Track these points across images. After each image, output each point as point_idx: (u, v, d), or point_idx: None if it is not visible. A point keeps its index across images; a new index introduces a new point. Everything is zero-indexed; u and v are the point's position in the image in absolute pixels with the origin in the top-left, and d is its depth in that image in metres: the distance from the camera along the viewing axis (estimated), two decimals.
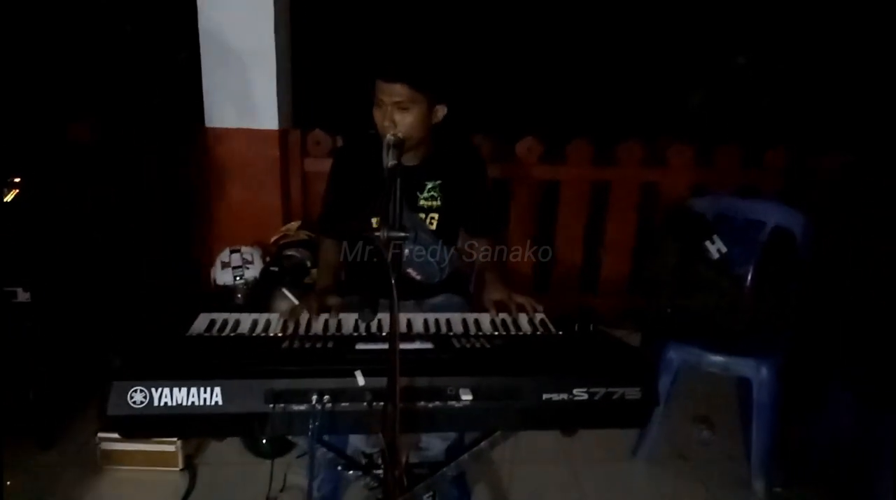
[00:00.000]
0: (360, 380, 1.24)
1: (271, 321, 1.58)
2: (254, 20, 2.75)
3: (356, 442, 1.70)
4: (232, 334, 1.50)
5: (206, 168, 2.96)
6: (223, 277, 2.81)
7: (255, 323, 1.57)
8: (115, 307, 2.93)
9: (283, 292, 2.50)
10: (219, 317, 1.57)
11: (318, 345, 1.39)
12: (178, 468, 2.15)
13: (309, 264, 2.80)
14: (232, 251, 2.83)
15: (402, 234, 1.21)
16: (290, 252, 2.88)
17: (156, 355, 1.32)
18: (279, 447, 2.25)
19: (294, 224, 2.93)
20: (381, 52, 1.97)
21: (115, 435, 2.09)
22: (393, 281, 1.14)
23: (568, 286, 3.28)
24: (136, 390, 1.19)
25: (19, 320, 2.16)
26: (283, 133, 2.94)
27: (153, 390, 1.19)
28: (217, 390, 1.21)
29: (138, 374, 1.21)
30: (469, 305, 2.03)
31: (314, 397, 1.21)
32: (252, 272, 2.80)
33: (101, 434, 2.13)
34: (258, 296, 2.77)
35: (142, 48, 4.70)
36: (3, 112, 2.60)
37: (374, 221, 1.87)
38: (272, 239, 2.91)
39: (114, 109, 4.15)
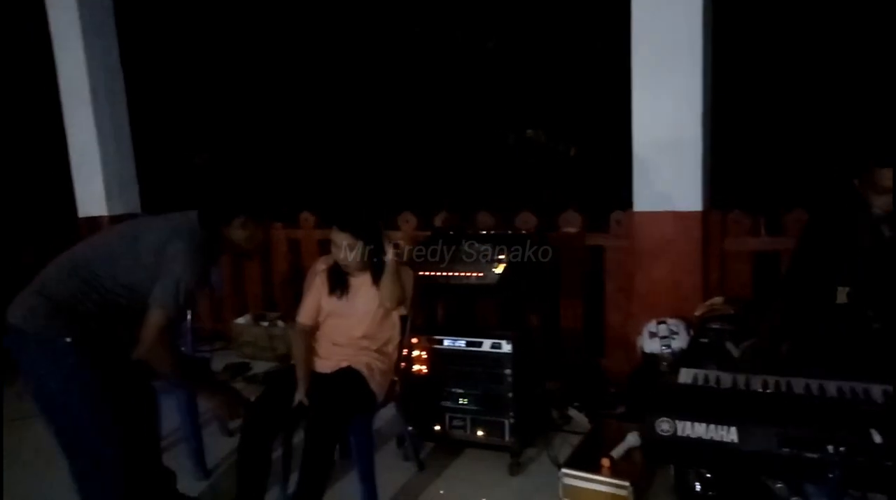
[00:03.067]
0: (876, 437, 1.30)
1: (750, 379, 1.73)
2: (682, 112, 3.07)
3: None
4: (722, 387, 1.70)
5: (632, 246, 3.32)
6: (650, 345, 3.07)
7: (735, 379, 1.74)
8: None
9: None
10: (700, 372, 1.79)
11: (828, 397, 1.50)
12: None
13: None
14: (659, 322, 3.09)
15: None
16: (714, 325, 3.01)
17: (670, 396, 1.60)
18: None
19: (719, 299, 3.04)
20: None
21: (576, 472, 2.48)
22: None
23: None
24: (663, 421, 1.47)
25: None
26: (705, 214, 3.14)
27: (677, 422, 1.45)
28: (733, 429, 1.41)
29: (664, 410, 1.49)
30: None
31: (829, 447, 1.32)
32: (678, 343, 3.00)
33: (564, 470, 2.50)
34: (684, 365, 2.95)
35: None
36: None
37: (840, 291, 1.93)
38: (697, 312, 3.08)
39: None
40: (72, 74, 4.77)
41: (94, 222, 4.91)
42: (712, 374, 1.77)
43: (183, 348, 3.14)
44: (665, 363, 3.01)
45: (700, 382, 1.72)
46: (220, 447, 3.11)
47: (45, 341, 1.99)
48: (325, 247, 4.34)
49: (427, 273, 2.82)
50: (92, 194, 4.92)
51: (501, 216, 3.72)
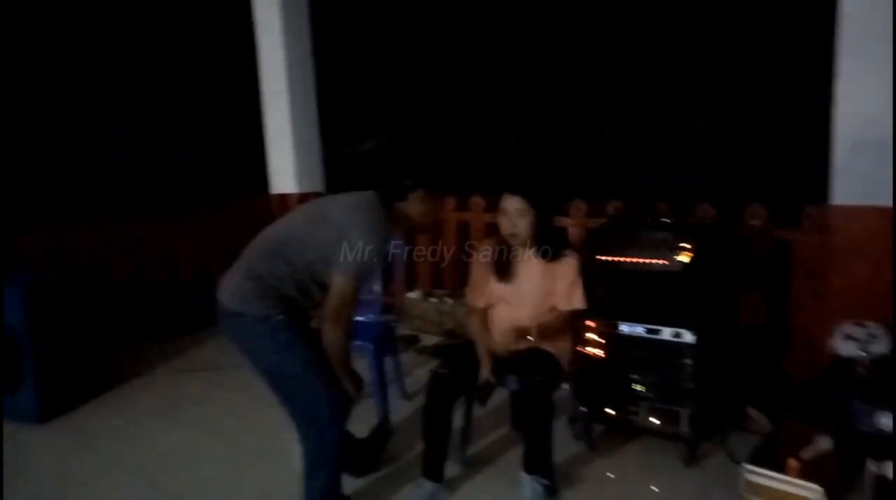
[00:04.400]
0: None
1: None
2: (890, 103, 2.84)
3: None
4: None
5: (827, 242, 3.12)
6: (845, 348, 2.88)
7: None
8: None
9: None
10: None
11: None
12: None
13: None
14: (856, 324, 2.89)
15: None
16: None
17: None
18: None
19: None
20: None
21: (761, 469, 2.42)
22: None
23: None
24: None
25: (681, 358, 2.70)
26: None
27: None
28: None
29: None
30: None
31: None
32: (878, 347, 2.79)
33: (747, 465, 2.45)
34: (884, 372, 2.75)
35: None
36: None
37: None
38: None
39: None
40: (272, 67, 5.31)
41: (283, 199, 5.45)
42: None
43: (371, 315, 3.45)
44: (862, 368, 2.82)
45: None
46: (397, 408, 3.37)
47: (260, 320, 2.21)
48: (493, 230, 4.51)
49: (606, 258, 2.86)
50: (283, 174, 5.46)
51: (678, 206, 3.65)
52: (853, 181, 3.00)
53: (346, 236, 2.20)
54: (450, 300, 4.66)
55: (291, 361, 2.25)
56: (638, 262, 2.78)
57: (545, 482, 2.45)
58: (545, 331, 2.60)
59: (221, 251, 4.99)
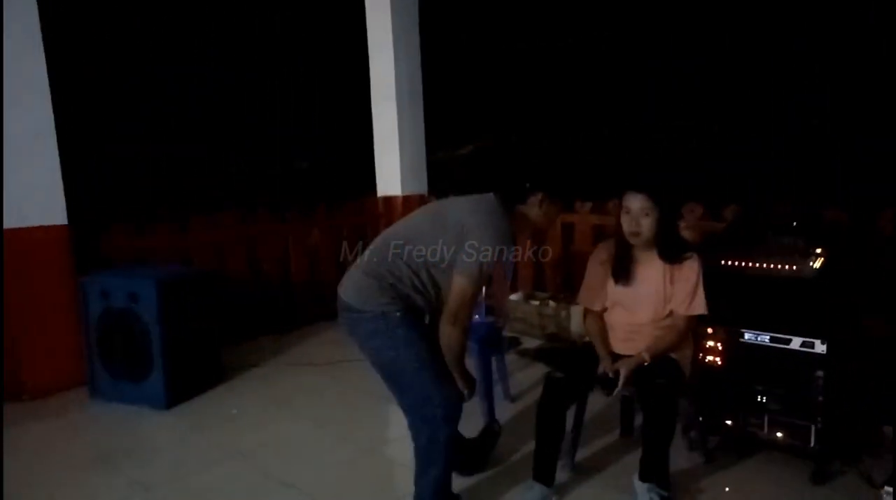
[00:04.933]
0: None
1: None
2: None
3: None
4: None
5: None
6: None
7: None
8: None
9: None
10: None
11: None
12: None
13: None
14: None
15: None
16: None
17: None
18: None
19: None
20: None
21: None
22: None
23: None
24: None
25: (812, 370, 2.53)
26: None
27: None
28: None
29: None
30: None
31: None
32: None
33: (888, 488, 2.26)
34: None
35: None
36: None
37: None
38: None
39: None
40: (381, 75, 5.47)
41: (389, 201, 5.59)
42: None
43: (477, 316, 3.46)
44: None
45: None
46: (501, 410, 3.36)
47: (379, 317, 2.27)
48: (598, 234, 4.43)
49: (730, 263, 2.73)
50: (389, 177, 5.60)
51: (803, 209, 3.43)
52: None
53: (466, 238, 2.23)
54: (553, 303, 4.60)
55: (407, 357, 2.29)
56: (766, 267, 2.63)
57: (664, 493, 2.37)
58: (658, 352, 2.52)
59: (331, 251, 5.22)
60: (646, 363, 2.47)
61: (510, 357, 4.19)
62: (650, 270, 2.56)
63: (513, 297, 4.86)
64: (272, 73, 8.52)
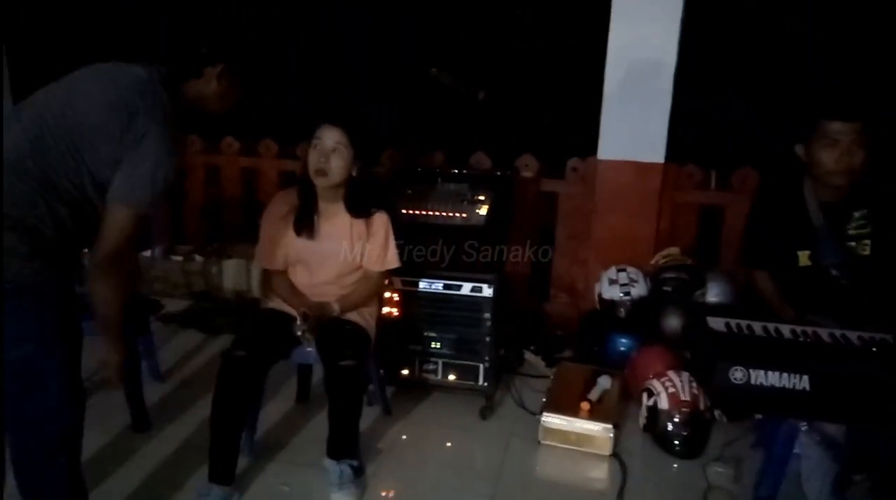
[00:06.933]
0: None
1: (780, 328, 1.80)
2: (657, 66, 3.08)
3: None
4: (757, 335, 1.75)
5: (590, 194, 3.34)
6: (610, 292, 3.15)
7: (765, 328, 1.80)
8: None
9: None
10: (731, 320, 1.84)
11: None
12: (607, 454, 2.46)
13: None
14: (619, 270, 3.17)
15: None
16: (669, 274, 3.13)
17: (744, 345, 1.62)
18: (693, 449, 2.46)
19: (675, 249, 3.18)
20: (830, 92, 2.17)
21: (556, 415, 2.51)
22: None
23: None
24: (736, 369, 1.48)
25: None
26: (665, 166, 3.22)
27: (750, 371, 1.48)
28: (805, 377, 1.45)
29: (738, 359, 1.50)
30: None
31: None
32: (638, 290, 3.10)
33: (545, 413, 2.52)
34: (644, 312, 3.06)
35: None
36: None
37: (800, 254, 2.12)
38: (653, 261, 3.19)
39: None
40: None
41: None
42: (742, 323, 1.82)
43: None
44: (623, 310, 3.11)
45: (735, 330, 1.77)
46: (151, 392, 2.78)
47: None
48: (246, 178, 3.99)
49: (408, 211, 2.65)
50: None
51: (453, 156, 3.60)
52: (617, 137, 3.23)
53: (136, 138, 1.56)
54: (199, 258, 4.02)
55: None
56: (441, 215, 2.63)
57: (353, 462, 2.21)
58: (349, 306, 2.33)
59: None
60: (334, 314, 2.27)
61: (153, 325, 3.52)
62: (336, 224, 2.31)
63: (145, 253, 4.09)
64: None
